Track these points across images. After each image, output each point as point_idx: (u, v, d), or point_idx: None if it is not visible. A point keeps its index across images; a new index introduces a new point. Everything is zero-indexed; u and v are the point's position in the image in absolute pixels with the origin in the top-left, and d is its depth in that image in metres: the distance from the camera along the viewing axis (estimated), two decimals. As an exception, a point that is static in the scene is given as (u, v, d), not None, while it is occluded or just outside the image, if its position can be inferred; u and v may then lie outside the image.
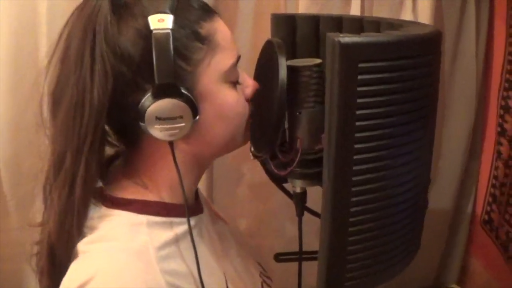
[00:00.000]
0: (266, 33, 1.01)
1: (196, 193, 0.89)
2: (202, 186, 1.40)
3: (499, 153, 1.56)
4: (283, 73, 0.75)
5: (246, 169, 1.50)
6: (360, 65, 0.65)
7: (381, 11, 1.45)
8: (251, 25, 1.40)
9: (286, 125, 0.82)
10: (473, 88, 1.57)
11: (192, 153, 0.79)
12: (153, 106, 0.70)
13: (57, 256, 0.75)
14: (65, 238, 0.73)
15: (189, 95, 0.72)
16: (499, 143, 1.56)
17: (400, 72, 0.68)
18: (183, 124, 0.72)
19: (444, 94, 1.58)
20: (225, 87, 0.77)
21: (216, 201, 1.53)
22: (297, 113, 0.80)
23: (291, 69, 0.78)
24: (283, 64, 0.76)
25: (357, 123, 0.67)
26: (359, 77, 0.65)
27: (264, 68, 0.84)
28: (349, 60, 0.64)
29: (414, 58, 0.70)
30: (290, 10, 1.38)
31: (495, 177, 1.58)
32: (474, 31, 1.53)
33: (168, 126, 0.71)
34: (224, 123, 0.78)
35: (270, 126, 0.78)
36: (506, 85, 1.50)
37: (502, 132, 1.54)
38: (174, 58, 0.69)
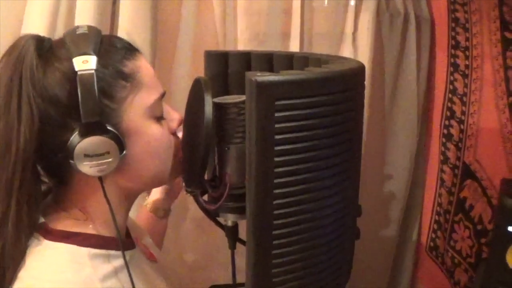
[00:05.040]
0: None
1: (127, 229, 0.91)
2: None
3: (442, 180, 1.59)
4: (208, 110, 0.77)
5: (190, 203, 1.50)
6: (277, 102, 0.66)
7: (321, 45, 1.48)
8: (189, 62, 1.41)
9: (216, 161, 0.84)
10: (415, 118, 1.61)
11: (122, 187, 0.81)
12: (81, 144, 0.72)
13: None
14: None
15: (115, 131, 0.74)
16: (442, 170, 1.59)
17: (318, 108, 0.70)
18: (110, 160, 0.74)
19: (385, 124, 1.61)
20: (150, 122, 0.80)
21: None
22: (226, 149, 0.81)
23: (218, 106, 0.80)
24: (208, 101, 0.77)
25: (276, 159, 0.68)
26: (276, 114, 0.66)
27: (193, 106, 0.85)
28: (266, 98, 0.66)
29: (333, 94, 0.72)
30: (229, 47, 1.41)
31: (439, 204, 1.61)
32: (415, 62, 1.57)
33: (96, 162, 0.73)
34: (151, 157, 0.81)
35: (197, 161, 0.79)
36: (448, 113, 1.54)
37: (444, 160, 1.57)
38: (99, 97, 0.72)
